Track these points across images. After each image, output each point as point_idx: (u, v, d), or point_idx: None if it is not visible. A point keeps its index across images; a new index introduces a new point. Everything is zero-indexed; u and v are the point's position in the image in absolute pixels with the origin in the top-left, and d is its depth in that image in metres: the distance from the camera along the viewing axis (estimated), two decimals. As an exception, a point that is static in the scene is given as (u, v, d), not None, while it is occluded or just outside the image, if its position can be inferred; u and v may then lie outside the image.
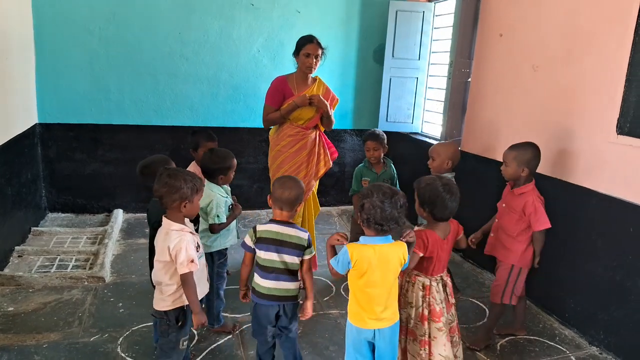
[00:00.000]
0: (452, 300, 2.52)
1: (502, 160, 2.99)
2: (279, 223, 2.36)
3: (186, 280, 2.23)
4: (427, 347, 2.38)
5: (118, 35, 4.77)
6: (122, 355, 2.77)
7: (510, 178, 2.98)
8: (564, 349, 3.09)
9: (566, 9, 3.33)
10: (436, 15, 5.26)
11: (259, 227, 2.36)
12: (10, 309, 3.20)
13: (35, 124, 4.71)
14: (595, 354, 3.06)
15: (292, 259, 2.35)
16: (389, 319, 2.20)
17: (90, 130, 4.93)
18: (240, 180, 5.44)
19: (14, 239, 4.07)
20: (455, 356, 2.48)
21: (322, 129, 3.93)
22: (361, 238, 2.20)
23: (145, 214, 2.81)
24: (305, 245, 2.37)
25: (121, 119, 4.98)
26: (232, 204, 3.00)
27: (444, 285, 2.48)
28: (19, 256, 3.95)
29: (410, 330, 2.42)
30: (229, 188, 3.08)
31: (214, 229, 2.86)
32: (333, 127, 3.90)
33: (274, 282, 2.35)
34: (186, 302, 2.32)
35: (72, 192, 5.03)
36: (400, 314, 2.36)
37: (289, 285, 2.37)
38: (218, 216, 2.84)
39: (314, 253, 2.44)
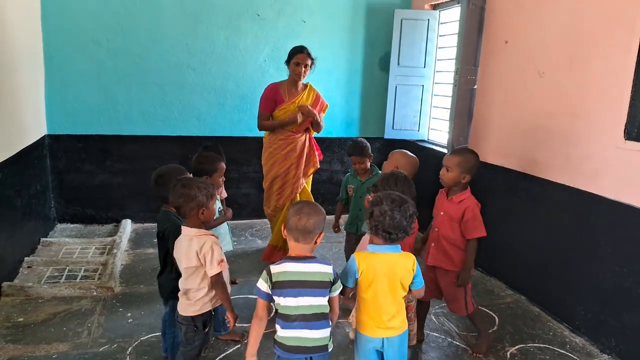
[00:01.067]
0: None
1: (444, 165, 2.90)
2: (298, 260, 2.02)
3: (217, 281, 2.30)
4: None
5: (125, 46, 4.82)
6: (131, 365, 2.78)
7: (449, 184, 2.91)
8: (575, 357, 3.06)
9: (570, 15, 3.33)
10: (441, 23, 5.27)
11: (274, 269, 2.00)
12: (20, 319, 3.22)
13: (45, 135, 4.76)
14: (607, 361, 3.04)
15: (319, 301, 2.01)
16: (397, 328, 2.19)
17: (98, 141, 4.97)
18: (247, 189, 5.46)
19: (23, 249, 4.09)
20: (410, 329, 2.49)
21: (312, 133, 4.20)
22: (369, 246, 2.20)
23: (155, 224, 2.83)
24: (332, 281, 2.03)
25: (129, 130, 5.01)
26: (220, 209, 3.03)
27: None
28: (28, 267, 3.97)
29: None
30: (218, 197, 3.14)
31: None
32: (322, 132, 4.22)
33: (299, 330, 2.01)
34: (213, 307, 2.38)
35: (80, 203, 5.06)
36: None
37: (318, 334, 2.02)
38: None
39: (341, 288, 2.10)
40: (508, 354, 3.06)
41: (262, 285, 2.02)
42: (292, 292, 1.98)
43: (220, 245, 2.37)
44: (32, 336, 3.03)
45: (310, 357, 2.05)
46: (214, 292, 2.38)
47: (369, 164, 3.73)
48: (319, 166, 4.33)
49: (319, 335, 2.03)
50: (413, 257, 2.17)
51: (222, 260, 2.28)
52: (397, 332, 2.20)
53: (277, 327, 2.05)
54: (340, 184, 5.86)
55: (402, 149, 3.65)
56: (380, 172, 3.75)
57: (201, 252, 2.26)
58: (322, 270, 2.01)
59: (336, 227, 3.93)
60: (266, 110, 4.02)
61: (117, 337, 3.06)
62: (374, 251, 2.16)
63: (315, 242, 2.04)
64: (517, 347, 3.15)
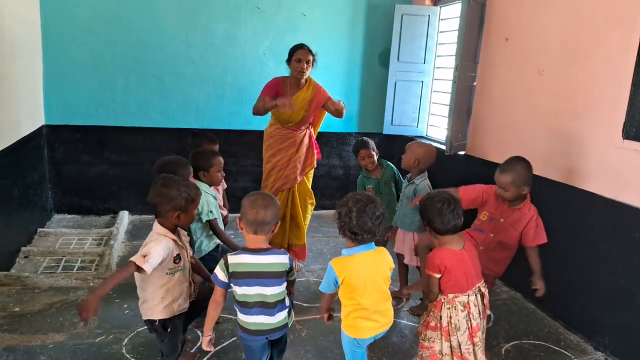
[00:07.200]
0: (488, 312, 2.47)
1: (499, 185, 2.85)
2: (255, 252, 2.10)
3: (127, 266, 2.13)
4: None
5: (124, 37, 4.80)
6: (127, 356, 2.78)
7: (511, 199, 2.87)
8: (570, 354, 3.08)
9: (571, 13, 3.33)
10: (442, 19, 5.26)
11: (231, 260, 2.08)
12: (17, 309, 3.22)
13: (42, 125, 4.74)
14: (601, 359, 3.05)
15: (275, 290, 2.11)
16: (386, 324, 2.23)
17: (96, 132, 4.96)
18: (245, 182, 5.45)
19: (20, 239, 4.09)
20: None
21: (315, 129, 4.15)
22: (343, 250, 2.17)
23: (152, 216, 2.82)
24: (287, 270, 2.15)
25: (127, 121, 5.00)
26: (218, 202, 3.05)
27: (482, 297, 2.41)
28: (25, 257, 3.97)
29: (463, 358, 2.32)
30: (219, 194, 3.16)
31: (213, 225, 2.88)
32: (320, 126, 4.19)
33: (258, 316, 2.13)
34: (176, 313, 2.31)
35: (78, 194, 5.05)
36: (443, 345, 2.32)
37: (277, 317, 2.15)
38: (211, 211, 2.87)
39: (295, 276, 2.27)
40: (503, 350, 3.07)
41: (220, 274, 2.10)
42: (249, 282, 2.08)
43: (169, 251, 2.23)
44: (28, 326, 3.02)
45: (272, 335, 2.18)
46: (166, 301, 2.28)
47: (376, 159, 3.78)
48: (315, 165, 4.18)
49: (277, 319, 2.15)
50: (386, 250, 2.20)
51: (144, 256, 2.10)
52: (384, 328, 2.23)
53: (237, 311, 2.17)
54: (340, 180, 5.87)
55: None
56: (390, 163, 3.86)
57: (144, 243, 2.20)
58: (278, 261, 2.11)
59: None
60: (267, 95, 3.75)
61: (113, 328, 3.06)
62: (350, 254, 2.13)
63: (273, 231, 2.13)
64: (511, 343, 3.16)
